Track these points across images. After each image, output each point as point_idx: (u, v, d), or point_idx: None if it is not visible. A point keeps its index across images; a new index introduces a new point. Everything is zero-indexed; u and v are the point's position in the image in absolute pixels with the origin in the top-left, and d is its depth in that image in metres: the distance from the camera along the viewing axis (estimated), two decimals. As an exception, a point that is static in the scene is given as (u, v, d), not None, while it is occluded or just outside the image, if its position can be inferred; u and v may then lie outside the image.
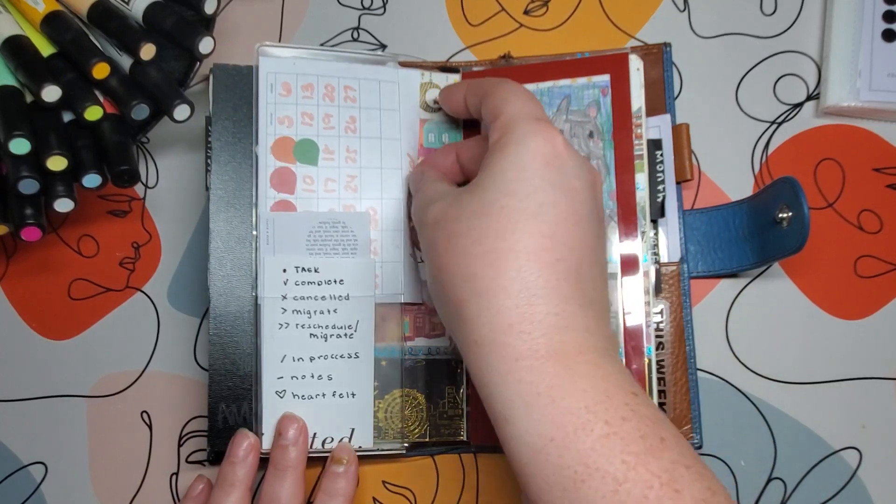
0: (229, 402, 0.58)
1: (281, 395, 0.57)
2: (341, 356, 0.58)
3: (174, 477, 0.64)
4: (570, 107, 0.61)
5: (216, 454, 0.60)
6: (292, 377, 0.57)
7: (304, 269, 0.58)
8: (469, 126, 0.63)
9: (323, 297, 0.58)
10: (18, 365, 0.66)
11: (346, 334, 0.58)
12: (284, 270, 0.58)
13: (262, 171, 0.59)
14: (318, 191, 0.60)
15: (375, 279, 0.60)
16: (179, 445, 0.64)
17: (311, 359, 0.58)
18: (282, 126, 0.59)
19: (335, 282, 0.58)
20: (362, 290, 0.59)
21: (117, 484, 0.64)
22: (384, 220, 0.61)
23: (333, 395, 0.58)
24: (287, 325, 0.57)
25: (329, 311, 0.58)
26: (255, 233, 0.58)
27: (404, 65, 0.63)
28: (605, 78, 0.61)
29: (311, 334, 0.58)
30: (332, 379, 0.58)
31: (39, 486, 0.64)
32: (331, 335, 0.58)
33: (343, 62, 0.61)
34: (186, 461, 0.64)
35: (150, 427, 0.64)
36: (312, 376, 0.57)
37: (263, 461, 0.57)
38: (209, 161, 0.60)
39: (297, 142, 0.60)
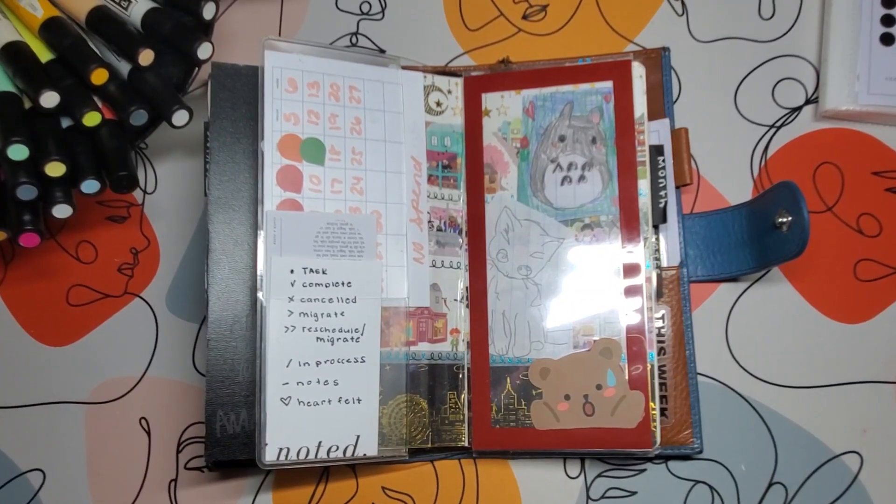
0: (227, 409, 0.57)
1: (286, 401, 0.56)
2: (348, 360, 0.58)
3: (173, 483, 0.63)
4: (573, 112, 0.61)
5: (215, 462, 0.57)
6: (298, 383, 0.56)
7: (312, 270, 0.58)
8: (471, 129, 0.63)
9: (330, 300, 0.58)
10: (16, 371, 0.65)
11: (352, 338, 0.58)
12: (292, 271, 0.57)
13: (267, 167, 0.58)
14: (325, 191, 0.59)
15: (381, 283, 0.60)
16: (178, 452, 0.64)
17: (318, 363, 0.57)
18: (288, 123, 0.59)
19: (343, 284, 0.58)
20: (370, 292, 0.59)
21: (115, 491, 0.64)
22: (388, 224, 0.60)
23: (339, 401, 0.57)
24: (293, 328, 0.57)
25: (336, 314, 0.58)
26: (260, 231, 0.57)
27: (405, 68, 0.63)
28: (607, 84, 0.61)
29: (317, 338, 0.57)
30: (338, 384, 0.57)
31: (38, 494, 0.64)
32: (337, 338, 0.58)
33: (347, 61, 0.61)
34: (185, 468, 0.63)
35: (148, 433, 0.64)
36: (318, 381, 0.57)
37: (261, 469, 0.56)
38: (208, 165, 0.60)
39: (304, 140, 0.59)
